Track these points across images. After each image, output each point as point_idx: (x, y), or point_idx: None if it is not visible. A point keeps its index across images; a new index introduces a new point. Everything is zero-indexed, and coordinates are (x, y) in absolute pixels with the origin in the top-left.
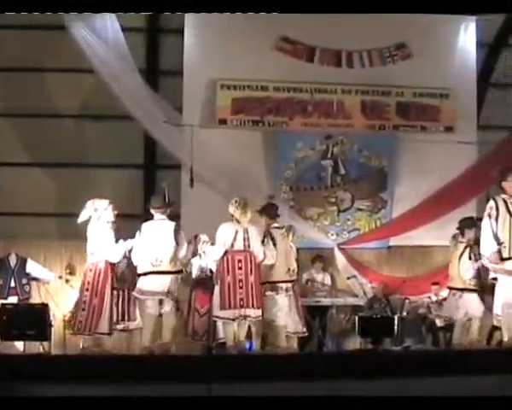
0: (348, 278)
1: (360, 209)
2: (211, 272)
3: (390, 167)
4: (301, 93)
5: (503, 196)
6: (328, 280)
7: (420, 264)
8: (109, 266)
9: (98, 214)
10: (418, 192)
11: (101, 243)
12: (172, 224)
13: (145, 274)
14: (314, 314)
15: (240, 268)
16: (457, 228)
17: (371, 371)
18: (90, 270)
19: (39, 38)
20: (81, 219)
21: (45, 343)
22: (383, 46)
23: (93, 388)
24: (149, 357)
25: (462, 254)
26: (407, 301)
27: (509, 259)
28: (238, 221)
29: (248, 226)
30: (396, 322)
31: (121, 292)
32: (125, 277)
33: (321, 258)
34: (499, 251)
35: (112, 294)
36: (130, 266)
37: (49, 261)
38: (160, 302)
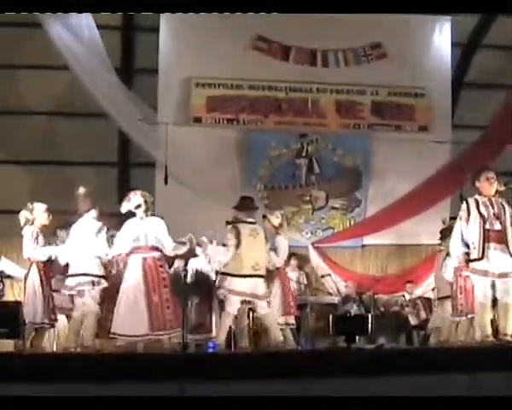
0: (322, 277)
1: (334, 208)
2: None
3: (364, 166)
4: (276, 92)
5: (477, 196)
6: (302, 278)
7: (393, 263)
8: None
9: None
10: (392, 191)
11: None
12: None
13: (245, 276)
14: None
15: None
16: (440, 237)
17: (345, 369)
18: None
19: (12, 34)
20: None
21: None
22: (358, 46)
23: (64, 387)
24: (121, 355)
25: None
26: (380, 299)
27: (478, 260)
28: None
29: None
30: (370, 320)
31: None
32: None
33: (295, 256)
34: (466, 253)
35: None
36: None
37: (22, 259)
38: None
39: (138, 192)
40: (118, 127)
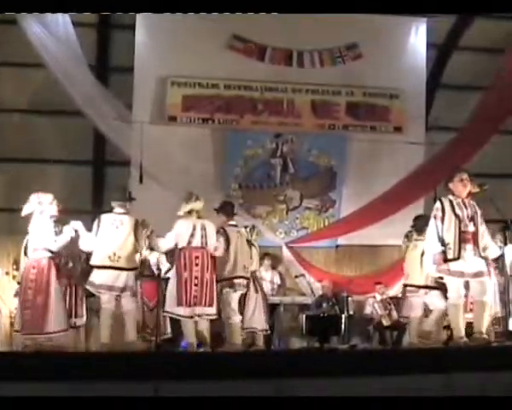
0: (296, 277)
1: (309, 208)
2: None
3: (339, 167)
4: (252, 91)
5: (450, 197)
6: (276, 278)
7: (368, 263)
8: (52, 263)
9: (42, 208)
10: (367, 192)
11: (44, 239)
12: (133, 219)
13: (100, 267)
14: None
15: (197, 265)
16: (412, 226)
17: (318, 369)
18: (34, 267)
19: None
20: (25, 212)
21: None
22: (334, 46)
23: (37, 386)
24: (95, 355)
25: (424, 253)
26: (354, 299)
27: (454, 260)
28: (198, 215)
29: (206, 222)
30: (343, 321)
31: (68, 288)
32: (69, 272)
33: (269, 256)
34: (443, 252)
35: (57, 291)
36: (76, 260)
37: None
38: (117, 298)
39: (37, 194)
40: (93, 125)
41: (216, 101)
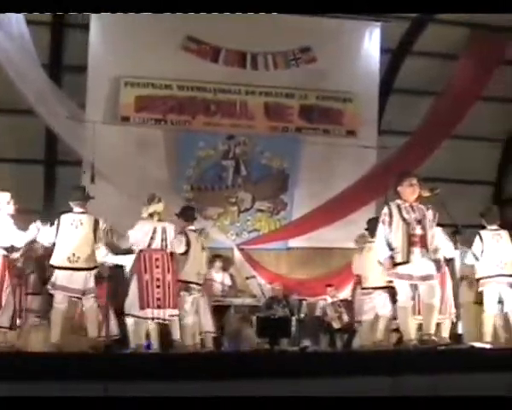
0: (247, 279)
1: (260, 210)
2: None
3: (291, 169)
4: (205, 92)
5: (398, 201)
6: (227, 280)
7: (319, 265)
8: (7, 261)
9: None
10: (319, 194)
11: (2, 237)
12: (92, 218)
13: (60, 268)
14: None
15: (157, 267)
16: (366, 228)
17: (268, 371)
18: None
19: None
20: None
21: None
22: (288, 49)
23: None
24: (42, 354)
25: None
26: (305, 302)
27: (403, 263)
28: (159, 217)
29: (167, 224)
30: (293, 323)
31: (22, 288)
32: (20, 272)
33: (220, 258)
34: (391, 257)
35: (10, 289)
36: (28, 262)
37: None
38: (77, 299)
39: None
40: (45, 124)
41: (169, 101)
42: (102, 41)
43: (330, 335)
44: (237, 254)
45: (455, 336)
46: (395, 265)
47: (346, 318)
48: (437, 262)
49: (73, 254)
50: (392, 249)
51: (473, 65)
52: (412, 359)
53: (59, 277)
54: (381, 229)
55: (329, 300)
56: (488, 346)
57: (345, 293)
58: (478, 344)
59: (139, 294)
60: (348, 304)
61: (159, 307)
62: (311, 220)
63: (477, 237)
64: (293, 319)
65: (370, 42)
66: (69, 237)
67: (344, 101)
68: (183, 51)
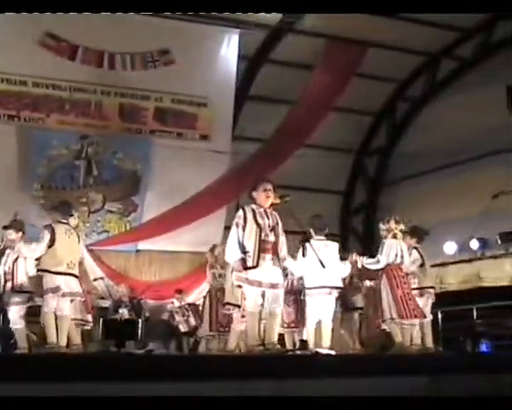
0: (95, 280)
1: (111, 211)
2: None
3: (143, 172)
4: (60, 91)
5: (253, 205)
6: None
7: (167, 269)
8: None
9: None
10: (170, 198)
11: None
12: None
13: (60, 273)
14: None
15: None
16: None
17: (114, 374)
18: None
19: None
20: None
21: None
22: (146, 50)
23: None
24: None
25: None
26: (152, 305)
27: (252, 268)
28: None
29: None
30: (140, 325)
31: None
32: None
33: None
34: (243, 260)
35: None
36: None
37: None
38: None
39: None
40: None
41: (23, 98)
42: None
43: (177, 338)
44: (86, 255)
45: (302, 343)
46: (246, 269)
47: (192, 321)
48: (284, 270)
49: (71, 262)
50: (244, 253)
51: (327, 75)
52: (258, 364)
53: (58, 282)
54: (235, 231)
55: (177, 304)
56: (331, 352)
57: (192, 297)
58: (322, 350)
59: None
60: (195, 308)
61: None
62: (161, 223)
63: (301, 247)
64: (140, 321)
65: (228, 48)
66: (66, 245)
67: (198, 105)
68: (41, 47)
